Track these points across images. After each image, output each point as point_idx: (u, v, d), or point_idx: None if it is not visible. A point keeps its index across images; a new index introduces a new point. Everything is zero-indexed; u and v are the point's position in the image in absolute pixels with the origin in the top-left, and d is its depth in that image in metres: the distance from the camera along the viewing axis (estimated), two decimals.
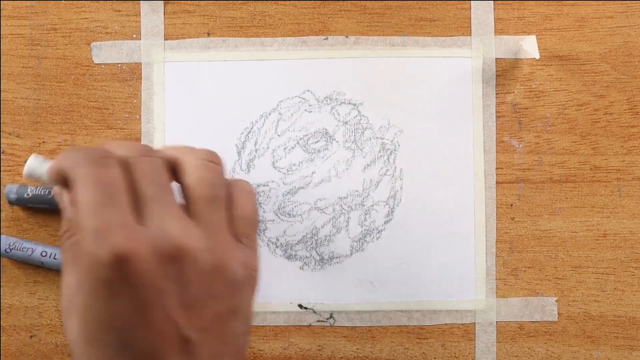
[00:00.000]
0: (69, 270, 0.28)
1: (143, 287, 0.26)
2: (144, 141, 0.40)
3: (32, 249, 0.38)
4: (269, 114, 0.40)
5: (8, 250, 0.38)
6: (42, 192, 0.38)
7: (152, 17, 0.40)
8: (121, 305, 0.26)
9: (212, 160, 0.30)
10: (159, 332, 0.27)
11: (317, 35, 0.40)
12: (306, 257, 0.39)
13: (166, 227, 0.27)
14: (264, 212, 0.40)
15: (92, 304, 0.26)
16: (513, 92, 0.40)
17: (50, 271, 0.39)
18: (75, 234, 0.28)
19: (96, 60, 0.40)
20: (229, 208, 0.31)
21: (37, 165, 0.34)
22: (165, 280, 0.27)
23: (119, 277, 0.26)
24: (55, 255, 0.38)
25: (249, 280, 0.30)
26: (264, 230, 0.40)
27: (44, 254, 0.38)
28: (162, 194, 0.29)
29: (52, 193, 0.38)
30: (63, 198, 0.29)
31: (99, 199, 0.27)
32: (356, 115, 0.40)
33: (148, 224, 0.27)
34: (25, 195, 0.38)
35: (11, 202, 0.39)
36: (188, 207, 0.29)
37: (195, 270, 0.27)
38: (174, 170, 0.30)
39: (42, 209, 0.39)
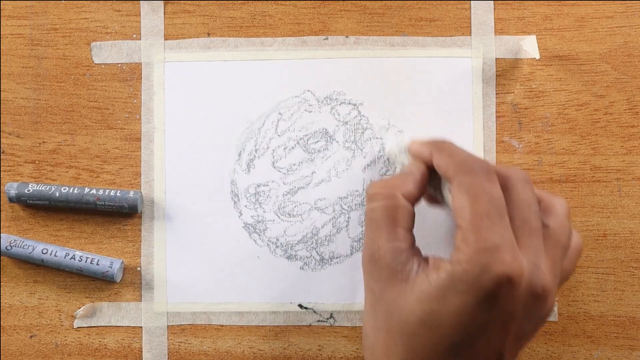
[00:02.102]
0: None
1: (507, 309, 0.28)
2: (144, 141, 0.40)
3: (33, 246, 0.38)
4: (269, 114, 0.40)
5: (9, 247, 0.38)
6: (42, 189, 0.38)
7: (152, 17, 0.40)
8: (484, 316, 0.28)
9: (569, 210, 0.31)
10: (491, 349, 0.29)
11: (317, 35, 0.40)
12: (306, 257, 0.39)
13: (540, 264, 0.29)
14: (264, 212, 0.40)
15: (460, 300, 0.28)
16: (513, 92, 0.40)
17: (50, 271, 0.40)
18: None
19: (96, 60, 0.40)
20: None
21: (397, 146, 0.35)
22: (522, 310, 0.28)
23: (496, 294, 0.27)
24: (56, 252, 0.38)
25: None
26: (264, 230, 0.40)
27: (44, 251, 0.38)
28: (539, 227, 0.30)
29: (53, 189, 0.38)
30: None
31: (491, 214, 0.28)
32: (356, 115, 0.40)
33: (524, 253, 0.29)
34: (25, 191, 0.38)
35: (11, 199, 0.39)
36: (551, 246, 0.30)
37: (539, 310, 0.29)
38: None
39: (43, 206, 0.39)
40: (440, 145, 0.32)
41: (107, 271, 0.38)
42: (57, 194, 0.38)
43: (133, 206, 0.38)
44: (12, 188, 0.39)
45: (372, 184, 0.32)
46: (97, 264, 0.38)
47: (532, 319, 0.29)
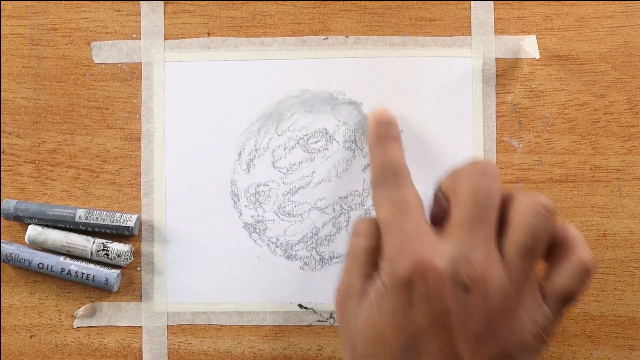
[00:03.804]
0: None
1: (433, 300, 0.28)
2: (143, 141, 0.40)
3: (30, 260, 0.38)
4: (269, 114, 0.40)
5: (5, 260, 0.39)
6: (40, 209, 0.39)
7: (152, 17, 0.40)
8: (414, 313, 0.28)
9: (547, 209, 0.29)
10: (440, 351, 0.28)
11: (317, 35, 0.40)
12: (306, 257, 0.39)
13: (471, 255, 0.28)
14: (264, 211, 0.40)
15: (389, 303, 0.28)
16: (513, 92, 0.40)
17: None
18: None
19: (96, 60, 0.40)
20: (554, 267, 0.30)
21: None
22: (455, 303, 0.28)
23: (412, 282, 0.28)
24: (52, 267, 0.38)
25: (537, 346, 0.29)
26: (264, 230, 0.40)
27: (40, 266, 0.38)
28: (482, 220, 0.29)
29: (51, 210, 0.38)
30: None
31: (403, 214, 0.30)
32: (356, 115, 0.40)
33: (452, 243, 0.29)
34: (20, 214, 0.39)
35: (7, 217, 0.39)
36: (502, 246, 0.29)
37: (483, 306, 0.28)
38: (502, 205, 0.30)
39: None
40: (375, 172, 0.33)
41: (104, 287, 0.38)
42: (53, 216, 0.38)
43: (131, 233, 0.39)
44: (9, 208, 0.39)
45: (360, 221, 0.32)
46: (93, 280, 0.38)
47: (476, 314, 0.28)
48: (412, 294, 0.28)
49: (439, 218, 0.31)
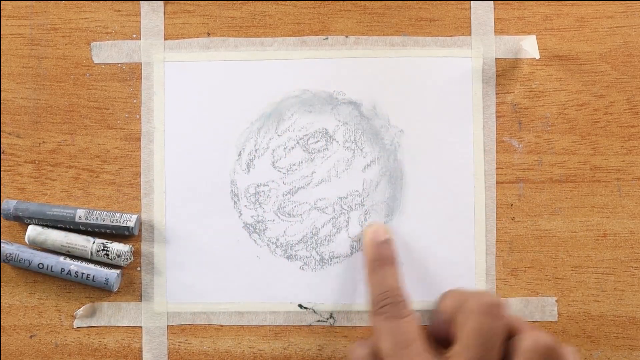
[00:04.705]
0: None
1: None
2: (143, 141, 0.40)
3: (29, 260, 0.38)
4: (269, 114, 0.40)
5: (5, 260, 0.39)
6: (40, 209, 0.39)
7: (152, 17, 0.40)
8: None
9: (550, 350, 0.31)
10: None
11: (317, 35, 0.40)
12: (306, 257, 0.39)
13: None
14: (264, 212, 0.40)
15: None
16: (513, 92, 0.40)
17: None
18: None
19: (96, 60, 0.40)
20: None
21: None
22: None
23: None
24: (52, 267, 0.38)
25: None
26: (263, 230, 0.40)
27: (40, 266, 0.38)
28: (485, 358, 0.31)
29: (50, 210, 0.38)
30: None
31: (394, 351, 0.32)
32: (356, 116, 0.40)
33: None
34: (20, 214, 0.39)
35: (7, 217, 0.39)
36: None
37: None
38: (509, 335, 0.32)
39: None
40: None
41: (104, 287, 0.38)
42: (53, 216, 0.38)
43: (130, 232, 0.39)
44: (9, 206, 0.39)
45: (357, 347, 0.34)
46: (93, 280, 0.38)
47: None
48: None
49: (440, 334, 0.34)
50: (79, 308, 0.39)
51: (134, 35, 0.40)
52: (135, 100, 0.40)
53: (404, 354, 0.32)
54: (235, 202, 0.39)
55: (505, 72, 0.40)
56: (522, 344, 0.31)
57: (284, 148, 0.40)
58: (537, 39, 0.39)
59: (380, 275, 0.35)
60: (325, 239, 0.39)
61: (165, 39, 0.40)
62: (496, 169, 0.39)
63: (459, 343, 0.31)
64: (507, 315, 0.32)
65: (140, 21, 0.40)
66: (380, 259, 0.36)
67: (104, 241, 0.39)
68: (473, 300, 0.32)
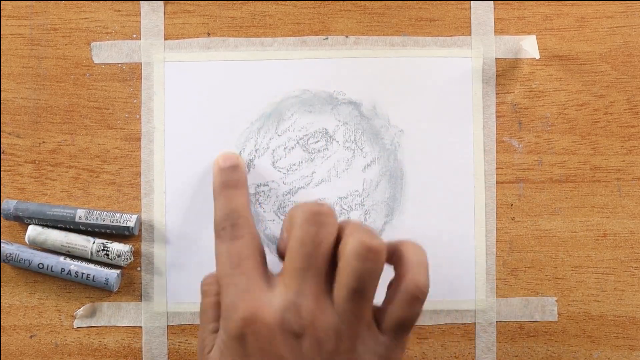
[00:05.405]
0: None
1: (266, 352, 0.29)
2: (144, 141, 0.40)
3: (29, 260, 0.38)
4: (269, 114, 0.40)
5: (6, 260, 0.39)
6: (40, 209, 0.39)
7: (152, 17, 0.40)
8: None
9: (370, 250, 0.29)
10: None
11: (317, 35, 0.40)
12: None
13: (300, 303, 0.29)
14: (264, 212, 0.40)
15: (228, 358, 0.30)
16: (513, 92, 0.40)
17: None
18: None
19: (96, 60, 0.40)
20: (388, 296, 0.31)
21: None
22: (288, 350, 0.29)
23: (243, 336, 0.29)
24: (52, 267, 0.38)
25: None
26: (264, 230, 0.40)
27: (40, 266, 0.38)
28: (310, 269, 0.30)
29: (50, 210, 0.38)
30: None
31: (231, 270, 0.32)
32: (356, 115, 0.40)
33: (283, 292, 0.30)
34: (20, 214, 0.38)
35: (7, 217, 0.39)
36: (335, 287, 0.30)
37: (317, 350, 0.29)
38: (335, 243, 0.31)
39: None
40: None
41: (104, 287, 0.38)
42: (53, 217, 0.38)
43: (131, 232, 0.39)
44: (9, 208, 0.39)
45: (206, 277, 0.34)
46: (93, 280, 0.38)
47: (312, 358, 0.29)
48: (247, 347, 0.29)
49: (284, 251, 0.32)
50: (79, 308, 0.39)
51: (134, 35, 0.40)
52: (135, 100, 0.40)
53: (234, 273, 0.31)
54: None
55: (505, 72, 0.40)
56: (346, 248, 0.29)
57: (284, 148, 0.40)
58: (537, 39, 0.39)
59: (223, 198, 0.34)
60: None
61: (165, 39, 0.40)
62: (496, 169, 0.39)
63: (286, 256, 0.31)
64: (331, 222, 0.30)
65: (140, 21, 0.40)
66: (227, 183, 0.35)
67: (104, 241, 0.39)
68: (298, 210, 0.31)
